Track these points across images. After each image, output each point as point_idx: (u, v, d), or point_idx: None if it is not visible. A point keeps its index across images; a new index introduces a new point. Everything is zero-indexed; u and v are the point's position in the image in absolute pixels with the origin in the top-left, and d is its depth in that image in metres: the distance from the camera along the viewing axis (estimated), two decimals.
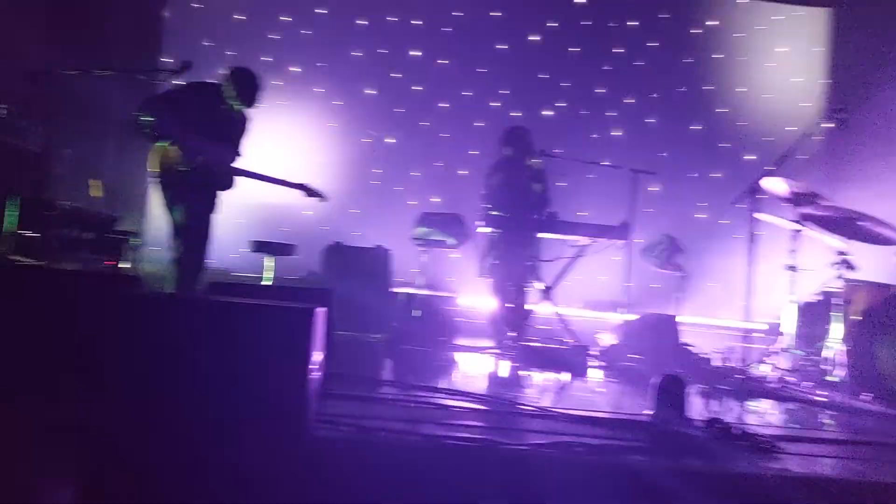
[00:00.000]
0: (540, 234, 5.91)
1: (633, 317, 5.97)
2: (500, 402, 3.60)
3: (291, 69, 8.88)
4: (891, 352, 4.26)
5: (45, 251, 5.10)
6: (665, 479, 2.35)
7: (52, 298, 2.56)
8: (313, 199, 5.24)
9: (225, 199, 4.95)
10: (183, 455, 2.31)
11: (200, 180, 4.64)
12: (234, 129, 4.82)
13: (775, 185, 4.86)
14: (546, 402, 3.83)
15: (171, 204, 4.63)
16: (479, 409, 3.35)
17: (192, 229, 4.67)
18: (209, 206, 4.82)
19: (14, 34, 6.11)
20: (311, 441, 2.47)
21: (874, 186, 6.67)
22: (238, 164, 4.90)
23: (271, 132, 8.57)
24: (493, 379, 4.70)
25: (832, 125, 4.91)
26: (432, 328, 5.81)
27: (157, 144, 4.59)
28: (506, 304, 5.89)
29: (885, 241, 4.82)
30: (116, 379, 2.44)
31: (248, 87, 4.78)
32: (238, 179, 4.92)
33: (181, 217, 4.62)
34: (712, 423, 2.84)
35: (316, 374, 2.67)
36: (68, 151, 5.79)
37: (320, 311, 2.65)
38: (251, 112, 4.94)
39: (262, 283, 6.18)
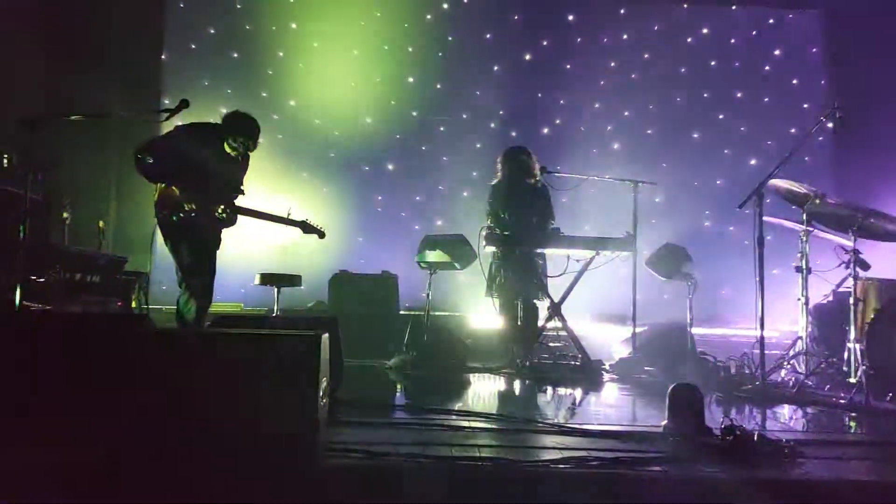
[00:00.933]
0: (545, 251, 5.89)
1: (643, 328, 5.92)
2: (513, 420, 3.54)
3: (289, 103, 8.95)
4: None
5: (52, 295, 5.12)
6: (682, 488, 2.30)
7: (59, 340, 2.57)
8: (313, 236, 5.25)
9: (230, 234, 4.96)
10: (195, 485, 2.28)
11: (203, 220, 4.66)
12: (232, 169, 4.84)
13: (780, 187, 4.82)
14: (560, 418, 3.77)
15: (175, 243, 4.65)
16: (491, 429, 3.30)
17: (198, 266, 4.68)
18: (213, 243, 4.83)
19: (14, 81, 6.19)
20: (322, 470, 2.43)
21: (880, 183, 6.64)
22: (239, 202, 4.92)
23: (273, 165, 8.65)
24: (506, 398, 4.64)
25: (832, 125, 4.87)
26: (442, 351, 5.77)
27: (160, 186, 4.62)
28: (515, 323, 5.85)
29: (893, 238, 4.76)
30: (130, 416, 2.42)
31: (245, 132, 4.81)
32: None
33: (186, 255, 4.64)
34: (730, 430, 2.78)
35: (324, 402, 2.64)
36: (69, 200, 5.84)
37: (325, 338, 2.63)
38: (248, 153, 4.97)
39: (271, 314, 6.17)
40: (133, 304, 6.04)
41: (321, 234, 5.29)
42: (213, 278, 4.83)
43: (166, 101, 8.12)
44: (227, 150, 4.77)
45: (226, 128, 4.80)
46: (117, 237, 6.71)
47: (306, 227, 5.18)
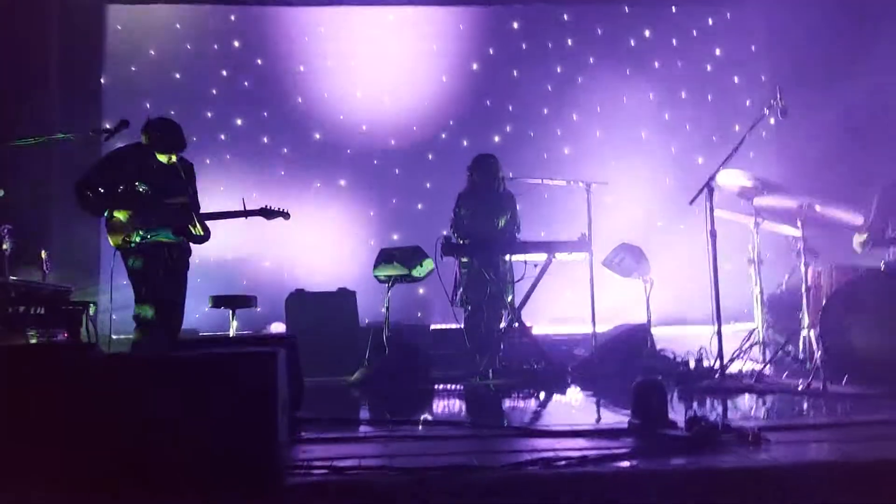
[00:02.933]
0: (504, 257, 5.90)
1: (604, 328, 5.95)
2: (479, 427, 3.50)
3: (236, 122, 8.82)
4: (862, 332, 4.27)
5: None
6: (650, 482, 2.28)
7: (5, 374, 2.46)
8: (278, 219, 5.15)
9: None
10: None
11: (153, 234, 4.55)
12: (177, 183, 4.73)
13: (728, 181, 4.90)
14: (526, 422, 3.75)
15: (141, 269, 4.53)
16: (458, 436, 3.25)
17: (165, 291, 4.56)
18: (182, 265, 4.72)
19: None
20: (285, 488, 2.35)
21: (825, 173, 6.82)
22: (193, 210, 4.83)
23: (222, 186, 8.49)
24: (470, 405, 4.60)
25: (774, 117, 4.99)
26: (404, 363, 5.70)
27: (111, 218, 4.51)
28: (478, 330, 5.84)
29: (843, 225, 4.88)
30: (84, 446, 2.32)
31: (165, 134, 4.71)
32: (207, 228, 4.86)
33: (153, 280, 4.52)
34: (693, 421, 2.79)
35: (284, 420, 2.57)
36: (7, 227, 5.62)
37: (281, 354, 2.55)
38: (185, 158, 4.86)
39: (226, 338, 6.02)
40: (81, 335, 5.83)
41: (286, 216, 5.19)
42: (183, 303, 4.71)
43: (108, 125, 7.91)
44: (162, 160, 4.67)
45: (151, 140, 4.68)
46: (61, 266, 6.48)
47: (268, 213, 5.07)
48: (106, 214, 4.57)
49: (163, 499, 2.28)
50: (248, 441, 2.36)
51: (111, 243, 4.60)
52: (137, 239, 4.49)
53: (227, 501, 2.27)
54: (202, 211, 4.91)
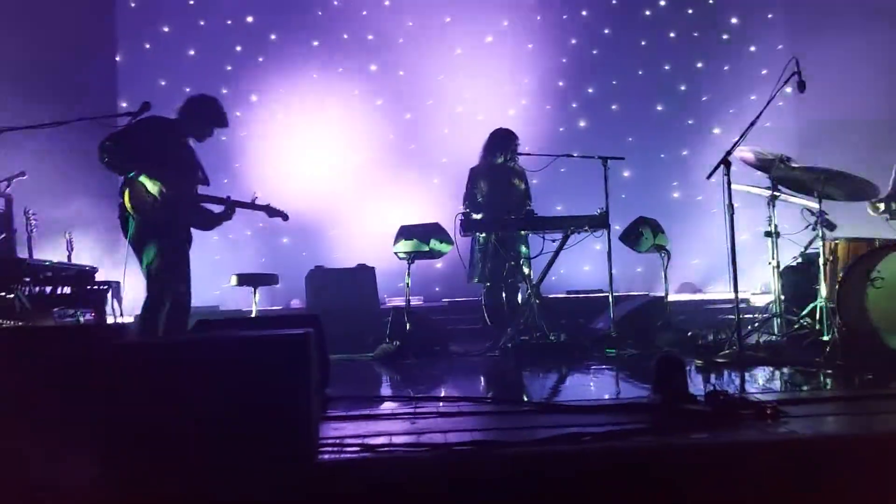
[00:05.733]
0: (522, 232, 5.94)
1: (621, 302, 5.99)
2: (502, 402, 3.58)
3: (251, 98, 8.85)
4: (878, 304, 4.28)
5: (21, 311, 5.02)
6: (673, 456, 2.35)
7: (32, 358, 2.52)
8: (277, 219, 5.21)
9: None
10: (189, 492, 2.27)
11: (173, 213, 4.56)
12: (193, 160, 4.77)
13: (746, 154, 4.90)
14: (548, 396, 3.82)
15: (147, 241, 4.52)
16: (481, 412, 3.33)
17: (173, 265, 4.58)
18: (188, 241, 4.76)
19: None
20: (318, 467, 2.43)
21: (842, 146, 6.78)
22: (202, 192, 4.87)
23: (238, 161, 8.56)
24: (492, 381, 4.68)
25: (792, 89, 4.95)
26: (425, 339, 5.79)
27: (130, 178, 4.48)
28: (497, 305, 5.91)
29: (859, 197, 4.87)
30: (115, 429, 2.39)
31: (207, 111, 4.74)
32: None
33: (167, 255, 4.53)
34: (713, 395, 2.85)
35: (315, 399, 2.64)
36: (32, 210, 5.71)
37: (313, 335, 2.62)
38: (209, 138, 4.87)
39: (250, 315, 6.13)
40: (106, 316, 5.96)
41: (285, 217, 5.24)
42: (188, 275, 4.72)
43: (123, 104, 7.99)
44: (187, 136, 4.68)
45: (188, 120, 4.70)
46: (85, 247, 6.59)
47: (270, 211, 5.14)
48: (128, 185, 4.50)
49: (196, 478, 2.34)
50: (283, 421, 2.41)
51: (126, 203, 4.47)
52: (158, 207, 4.43)
53: (261, 480, 2.35)
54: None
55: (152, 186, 4.43)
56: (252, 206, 5.02)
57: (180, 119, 4.72)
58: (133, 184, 4.45)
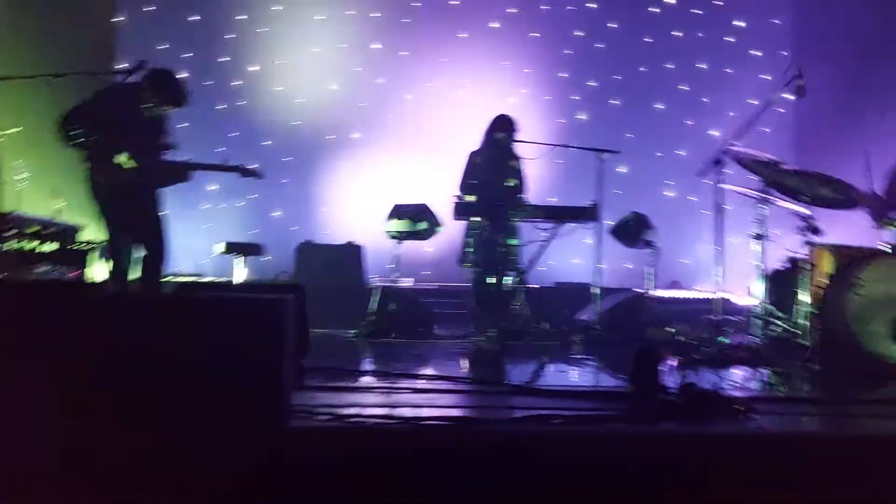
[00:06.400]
0: (513, 218, 5.94)
1: (607, 295, 6.01)
2: (478, 383, 3.59)
3: (250, 69, 8.78)
4: (860, 313, 4.30)
5: (4, 265, 5.00)
6: (641, 442, 2.37)
7: (12, 310, 2.51)
8: (251, 179, 5.21)
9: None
10: (160, 452, 2.27)
11: (140, 181, 4.60)
12: (156, 127, 4.77)
13: (740, 155, 4.90)
14: (525, 380, 3.83)
15: (110, 203, 4.58)
16: (457, 391, 3.34)
17: (145, 229, 4.63)
18: (152, 201, 4.78)
19: None
20: (288, 432, 2.43)
21: (837, 154, 6.77)
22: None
23: (234, 132, 8.51)
24: (472, 364, 4.69)
25: (791, 95, 4.96)
26: (410, 320, 5.80)
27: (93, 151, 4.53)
28: (483, 291, 5.92)
29: (848, 205, 4.87)
30: (89, 384, 2.38)
31: (167, 89, 4.72)
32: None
33: (126, 214, 4.58)
34: (687, 388, 2.86)
35: (289, 366, 2.64)
36: (20, 162, 5.67)
37: (290, 301, 2.62)
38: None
39: (233, 283, 6.12)
40: (90, 274, 5.93)
41: (259, 175, 5.23)
42: (161, 235, 4.75)
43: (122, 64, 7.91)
44: (149, 106, 4.68)
45: (150, 89, 4.67)
46: (71, 204, 6.55)
47: (244, 171, 5.14)
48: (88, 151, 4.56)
49: (166, 437, 2.35)
50: (255, 384, 2.42)
51: (88, 176, 4.55)
52: (113, 173, 4.50)
53: (230, 441, 2.35)
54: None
55: (116, 157, 4.47)
56: (221, 167, 5.03)
57: (142, 87, 4.69)
58: (95, 154, 4.49)
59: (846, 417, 2.97)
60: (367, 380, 3.77)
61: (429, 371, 4.14)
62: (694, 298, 7.41)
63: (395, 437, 2.48)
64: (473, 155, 6.14)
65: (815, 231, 4.69)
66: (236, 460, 2.32)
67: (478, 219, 5.89)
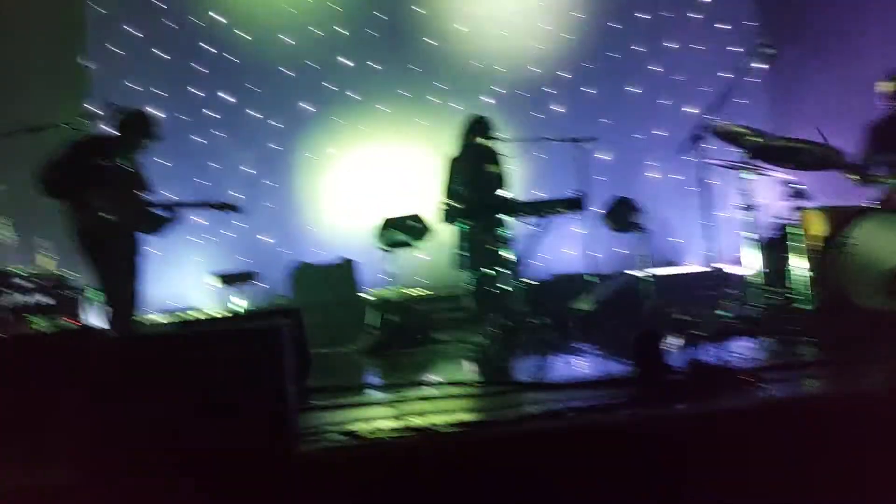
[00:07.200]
0: (502, 217, 5.95)
1: (601, 282, 6.03)
2: (485, 384, 3.59)
3: (224, 98, 8.77)
4: (856, 273, 4.32)
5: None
6: (657, 426, 2.37)
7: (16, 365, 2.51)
8: (230, 213, 5.24)
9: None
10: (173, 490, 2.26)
11: (124, 226, 4.61)
12: (134, 171, 4.79)
13: (718, 128, 4.92)
14: (532, 377, 3.84)
15: (94, 254, 4.59)
16: (465, 395, 3.33)
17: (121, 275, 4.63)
18: (132, 250, 4.78)
19: None
20: (299, 457, 2.42)
21: (814, 119, 6.81)
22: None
23: (214, 164, 8.50)
24: (476, 365, 4.69)
25: (762, 64, 5.00)
26: (408, 329, 5.79)
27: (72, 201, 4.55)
28: (479, 291, 5.92)
29: (832, 166, 4.89)
30: (95, 431, 2.37)
31: (141, 124, 4.75)
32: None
33: (108, 265, 4.59)
34: (692, 365, 2.87)
35: (293, 389, 2.63)
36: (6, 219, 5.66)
37: (286, 327, 2.61)
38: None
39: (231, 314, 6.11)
40: (84, 320, 5.91)
41: (235, 209, 5.26)
42: (137, 287, 4.77)
43: (90, 109, 7.88)
44: (123, 153, 4.69)
45: (127, 129, 4.71)
46: (61, 254, 6.53)
47: (222, 206, 5.16)
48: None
49: (179, 474, 2.33)
50: (260, 413, 2.41)
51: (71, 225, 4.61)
52: (98, 223, 4.52)
53: (243, 472, 2.34)
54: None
55: (93, 205, 4.48)
56: (197, 204, 5.06)
57: (113, 135, 4.73)
58: (76, 204, 4.49)
59: (853, 377, 2.97)
60: (373, 393, 3.76)
61: (434, 377, 4.13)
62: (688, 274, 7.42)
63: (409, 447, 2.47)
64: (452, 159, 6.15)
65: (803, 196, 4.71)
66: (248, 492, 2.30)
67: (467, 221, 5.89)
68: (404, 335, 5.68)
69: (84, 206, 4.51)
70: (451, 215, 5.77)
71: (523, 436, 2.48)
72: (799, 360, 3.55)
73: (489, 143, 6.03)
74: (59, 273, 5.97)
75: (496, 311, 5.76)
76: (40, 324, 5.23)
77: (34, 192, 4.62)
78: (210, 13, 8.78)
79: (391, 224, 6.01)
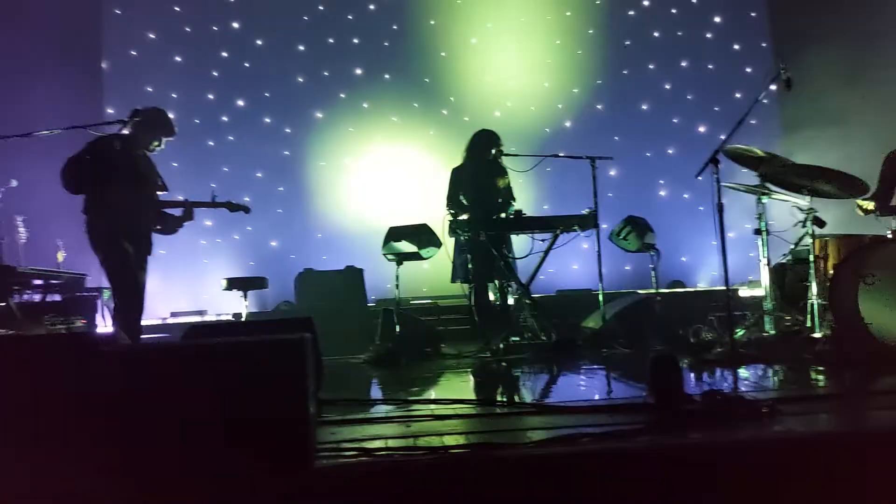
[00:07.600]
0: (509, 233, 5.95)
1: (611, 301, 6.02)
2: (496, 404, 3.58)
3: (237, 103, 8.81)
4: (870, 301, 4.30)
5: (12, 319, 4.98)
6: (672, 455, 2.36)
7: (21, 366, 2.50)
8: (240, 213, 5.24)
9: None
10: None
11: (130, 224, 4.61)
12: (148, 169, 4.80)
13: (734, 152, 4.92)
14: (542, 397, 3.83)
15: (108, 252, 4.58)
16: (477, 415, 3.32)
17: (130, 275, 4.63)
18: (145, 249, 4.78)
19: None
20: (317, 472, 2.42)
21: (829, 142, 6.83)
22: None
23: (226, 167, 8.53)
24: (485, 382, 4.68)
25: (778, 86, 5.00)
26: (416, 341, 5.78)
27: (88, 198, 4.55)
28: (486, 306, 5.90)
29: (848, 194, 4.89)
30: (110, 442, 2.36)
31: (160, 122, 4.77)
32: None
33: (122, 264, 4.59)
34: (709, 394, 2.86)
35: (312, 403, 2.63)
36: (21, 217, 5.68)
37: (309, 340, 2.61)
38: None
39: (242, 318, 6.11)
40: (97, 323, 5.92)
41: (247, 210, 5.27)
42: (143, 286, 4.78)
43: (110, 111, 7.93)
44: (140, 149, 4.73)
45: (137, 133, 4.74)
46: (77, 254, 6.54)
47: (232, 206, 5.17)
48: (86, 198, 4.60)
49: (195, 486, 2.32)
50: (282, 427, 2.40)
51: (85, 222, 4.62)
52: (113, 221, 4.54)
53: (260, 487, 2.33)
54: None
55: (109, 203, 4.50)
56: (212, 204, 5.06)
57: (130, 133, 4.75)
58: (92, 200, 4.48)
59: (870, 411, 2.96)
60: (384, 408, 3.75)
61: (444, 394, 4.12)
62: (698, 292, 7.42)
63: (424, 469, 2.46)
64: (457, 171, 6.13)
65: (819, 223, 4.70)
66: None
67: (472, 234, 5.87)
68: (411, 347, 5.67)
69: (101, 202, 4.51)
70: (458, 227, 5.76)
71: (536, 460, 2.47)
72: (814, 390, 3.54)
73: (492, 157, 6.01)
74: (74, 273, 5.98)
75: (502, 325, 5.76)
76: (55, 324, 5.23)
77: (50, 190, 4.64)
78: (226, 19, 8.84)
79: (397, 234, 6.00)
